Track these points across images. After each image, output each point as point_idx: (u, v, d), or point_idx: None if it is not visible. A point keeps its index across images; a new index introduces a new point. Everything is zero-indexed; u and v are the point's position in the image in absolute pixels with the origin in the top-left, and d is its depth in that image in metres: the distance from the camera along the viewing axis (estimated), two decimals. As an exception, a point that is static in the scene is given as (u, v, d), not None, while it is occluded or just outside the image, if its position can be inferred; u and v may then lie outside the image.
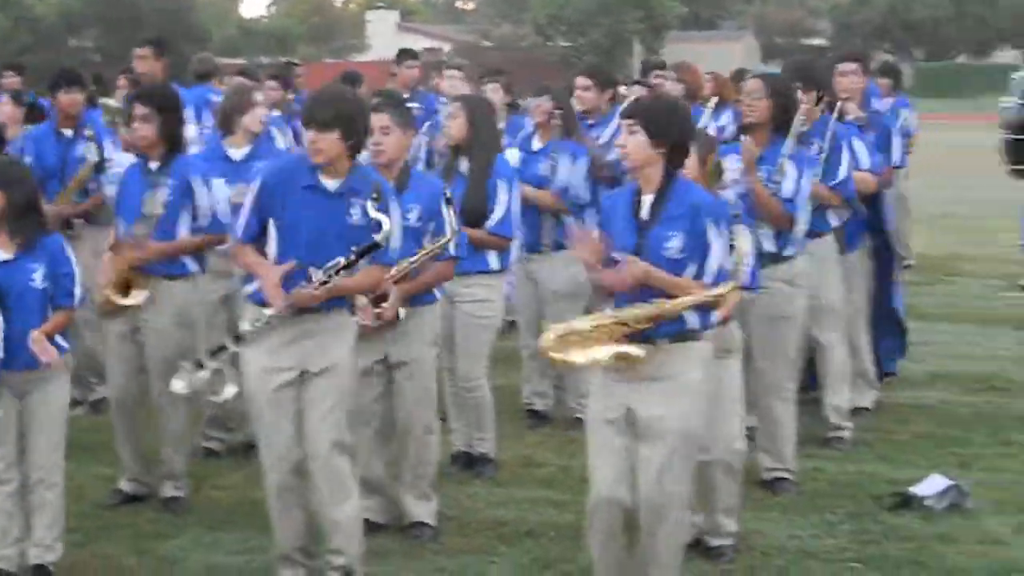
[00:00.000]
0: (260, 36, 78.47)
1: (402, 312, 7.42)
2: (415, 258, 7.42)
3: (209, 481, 8.61)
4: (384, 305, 7.31)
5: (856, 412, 9.61)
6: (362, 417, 7.58)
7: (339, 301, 6.75)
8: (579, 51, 73.30)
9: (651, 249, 6.21)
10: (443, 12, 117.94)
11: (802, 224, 8.28)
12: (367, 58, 75.73)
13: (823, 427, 9.39)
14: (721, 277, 6.31)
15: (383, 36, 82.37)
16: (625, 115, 6.42)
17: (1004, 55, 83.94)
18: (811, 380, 9.65)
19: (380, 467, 7.76)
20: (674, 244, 6.21)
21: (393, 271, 7.12)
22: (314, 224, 6.61)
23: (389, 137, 7.50)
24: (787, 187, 8.18)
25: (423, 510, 7.74)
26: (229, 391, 6.94)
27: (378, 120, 7.48)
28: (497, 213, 8.44)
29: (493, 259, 8.57)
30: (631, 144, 6.26)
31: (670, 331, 6.27)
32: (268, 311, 6.61)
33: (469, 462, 8.83)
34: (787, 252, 8.32)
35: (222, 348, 6.87)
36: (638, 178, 6.34)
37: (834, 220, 9.16)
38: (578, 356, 6.24)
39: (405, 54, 14.77)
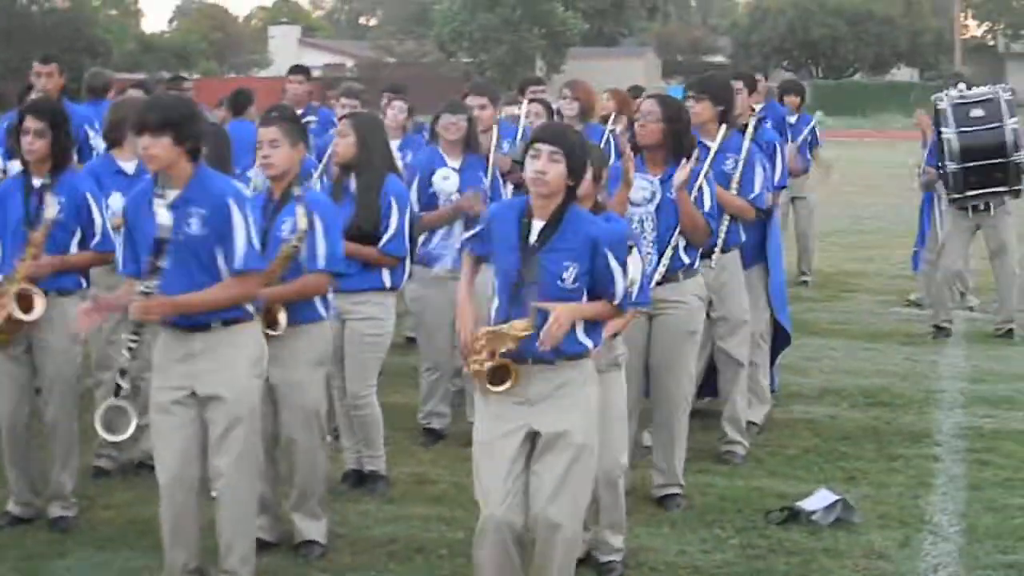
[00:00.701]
0: (161, 51, 78.00)
1: (282, 319, 7.39)
2: (273, 263, 7.36)
3: (100, 500, 8.53)
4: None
5: (747, 427, 9.69)
6: None
7: (230, 317, 6.74)
8: (481, 67, 73.54)
9: (546, 279, 6.21)
10: (346, 28, 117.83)
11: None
12: (269, 73, 75.59)
13: (716, 441, 9.47)
14: (627, 296, 6.39)
15: (285, 51, 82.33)
16: (545, 140, 6.27)
17: (901, 73, 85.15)
18: (706, 392, 9.78)
19: (268, 485, 7.72)
20: (569, 275, 6.23)
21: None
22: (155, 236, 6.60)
23: (278, 150, 7.50)
24: (707, 203, 8.34)
25: (312, 528, 7.71)
26: (128, 428, 6.90)
27: (267, 133, 7.52)
28: (389, 232, 8.44)
29: (386, 277, 8.56)
30: (553, 173, 6.20)
31: (567, 352, 6.31)
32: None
33: (361, 480, 8.81)
34: (696, 265, 8.44)
35: (119, 388, 6.85)
36: (539, 202, 6.31)
37: (744, 234, 9.30)
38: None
39: (295, 70, 14.69)
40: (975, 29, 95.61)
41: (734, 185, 9.03)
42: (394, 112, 11.89)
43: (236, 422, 6.75)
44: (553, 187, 6.22)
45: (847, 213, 24.76)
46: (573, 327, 6.28)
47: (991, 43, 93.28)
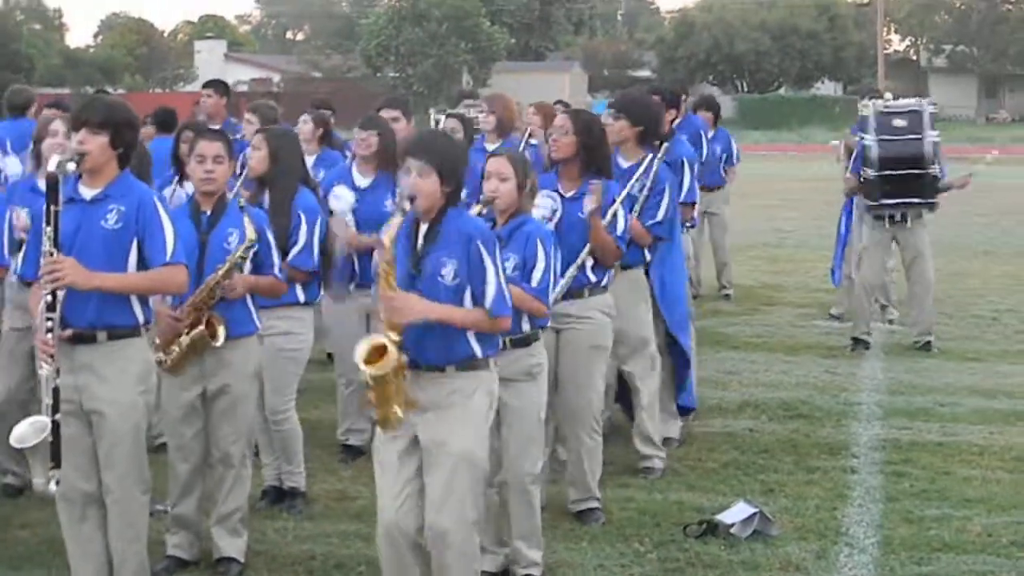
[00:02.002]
0: (86, 66, 77.53)
1: (222, 331, 7.36)
2: (219, 273, 7.37)
3: (15, 520, 8.46)
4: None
5: (665, 442, 9.73)
6: (181, 453, 7.57)
7: (117, 330, 6.69)
8: (408, 82, 73.50)
9: (427, 276, 6.31)
10: (272, 43, 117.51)
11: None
12: (195, 88, 75.18)
13: (635, 456, 9.50)
14: (502, 302, 6.40)
15: (211, 66, 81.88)
16: (413, 154, 6.33)
17: (825, 87, 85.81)
18: (624, 409, 9.82)
19: (194, 504, 7.69)
20: (448, 271, 6.30)
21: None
22: (71, 232, 6.52)
23: (222, 166, 7.53)
24: (620, 225, 8.35)
25: (232, 545, 7.67)
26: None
27: (213, 148, 7.53)
28: (297, 246, 8.39)
29: (299, 292, 8.53)
30: (427, 188, 6.27)
31: (456, 358, 6.38)
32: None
33: (279, 496, 8.78)
34: (603, 282, 8.43)
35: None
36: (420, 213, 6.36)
37: (648, 253, 9.29)
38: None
39: (209, 84, 14.62)
40: (898, 44, 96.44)
41: (637, 208, 8.98)
42: (299, 125, 11.82)
43: (121, 438, 6.72)
44: (427, 203, 6.30)
45: (768, 227, 24.94)
46: (464, 333, 6.36)
47: (913, 57, 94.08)
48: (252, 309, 7.62)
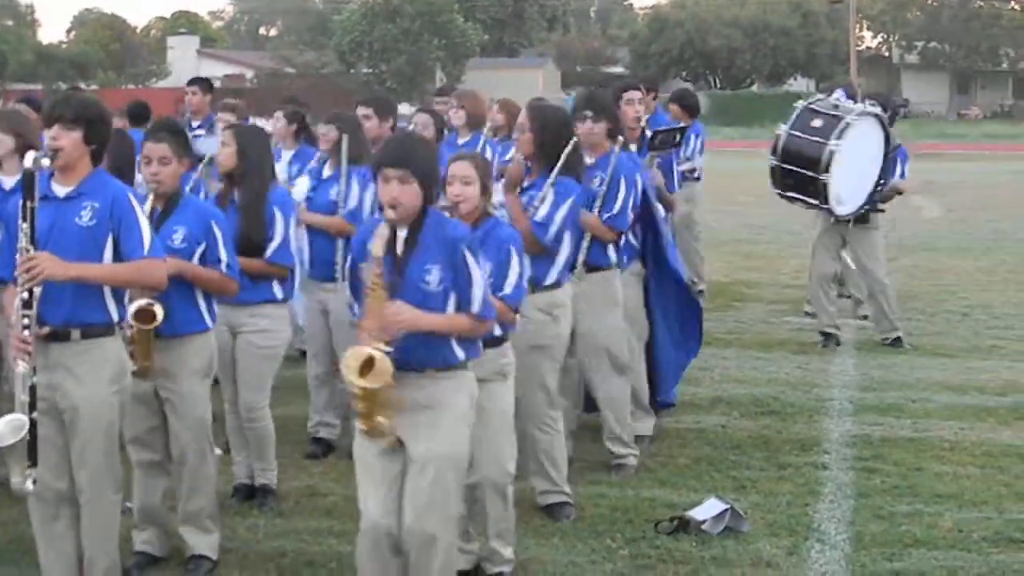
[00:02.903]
0: (58, 62, 77.29)
1: (159, 312, 7.22)
2: None
3: (-16, 517, 8.45)
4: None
5: (637, 439, 9.71)
6: (135, 446, 7.54)
7: (91, 328, 6.66)
8: (381, 78, 73.46)
9: (410, 282, 6.24)
10: (245, 39, 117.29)
11: (564, 253, 8.36)
12: (168, 84, 75.06)
13: (607, 453, 9.49)
14: (488, 305, 6.40)
15: (184, 62, 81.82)
16: (391, 163, 6.24)
17: (797, 84, 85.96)
18: (590, 404, 9.78)
19: (157, 498, 7.67)
20: (432, 277, 6.25)
21: None
22: (45, 230, 6.49)
23: (168, 167, 7.46)
24: (541, 212, 8.23)
25: (202, 543, 7.64)
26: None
27: (157, 150, 7.47)
28: (275, 242, 8.38)
29: (276, 288, 8.53)
30: (407, 196, 6.19)
31: (439, 362, 6.35)
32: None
33: (250, 493, 8.77)
34: (547, 280, 8.35)
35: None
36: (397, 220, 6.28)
37: (614, 255, 9.23)
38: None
39: (194, 82, 14.75)
40: (871, 40, 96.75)
41: (598, 203, 8.95)
42: (272, 121, 11.85)
43: (93, 437, 6.69)
44: (409, 211, 6.24)
45: (742, 223, 24.98)
46: (448, 339, 6.34)
47: (886, 54, 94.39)
48: (203, 306, 7.55)
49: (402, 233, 6.30)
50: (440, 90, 14.15)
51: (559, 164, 8.27)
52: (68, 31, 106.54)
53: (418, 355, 6.30)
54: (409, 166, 6.20)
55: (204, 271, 7.45)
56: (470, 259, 6.30)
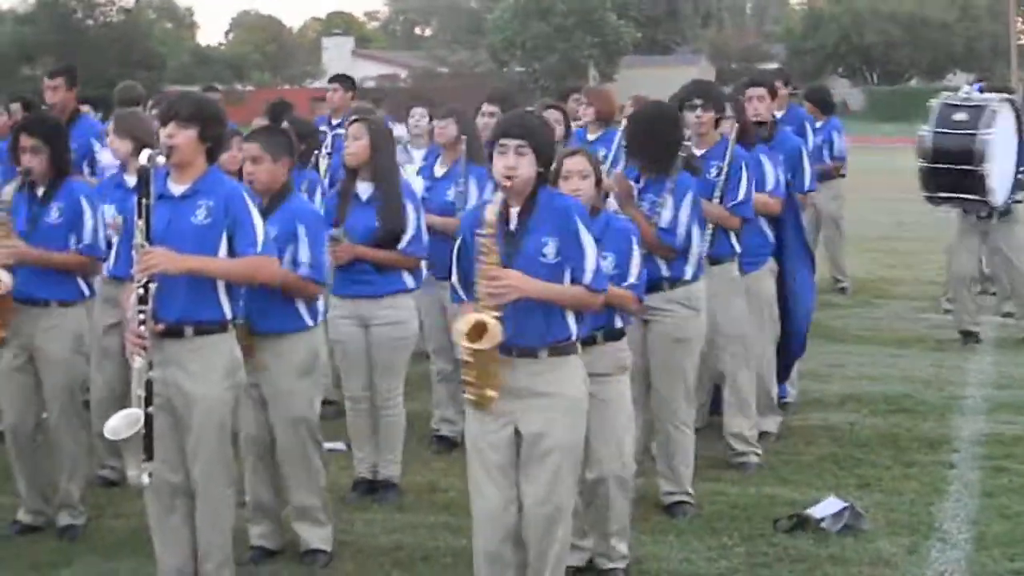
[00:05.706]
0: (215, 63, 78.56)
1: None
2: None
3: (109, 510, 8.61)
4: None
5: (761, 436, 9.65)
6: (246, 443, 7.66)
7: (204, 325, 6.76)
8: (534, 76, 73.54)
9: (526, 256, 6.21)
10: (400, 39, 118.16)
11: (695, 247, 8.32)
12: (322, 84, 75.85)
13: (729, 450, 9.44)
14: (600, 276, 6.37)
15: (339, 62, 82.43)
16: (511, 134, 6.25)
17: (957, 79, 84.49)
18: (716, 404, 9.74)
19: (268, 493, 7.77)
20: (550, 249, 6.23)
21: None
22: (161, 229, 6.60)
23: (260, 166, 7.61)
24: (665, 217, 8.20)
25: (315, 536, 7.73)
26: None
27: (250, 150, 7.66)
28: (408, 233, 8.48)
29: (408, 279, 8.63)
30: (523, 167, 6.20)
31: (553, 340, 6.31)
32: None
33: (371, 489, 8.83)
34: (684, 275, 8.33)
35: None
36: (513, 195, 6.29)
37: (738, 246, 9.19)
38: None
39: (335, 79, 14.86)
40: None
41: (717, 193, 8.93)
42: (414, 120, 11.95)
43: (207, 432, 6.78)
44: (526, 181, 6.23)
45: (891, 219, 24.61)
46: (563, 313, 6.31)
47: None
48: (301, 305, 7.62)
49: (515, 209, 6.29)
50: (575, 89, 14.10)
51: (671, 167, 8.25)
52: (227, 33, 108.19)
53: (532, 333, 6.27)
54: (527, 137, 6.22)
55: (293, 279, 7.51)
56: (582, 228, 6.27)
